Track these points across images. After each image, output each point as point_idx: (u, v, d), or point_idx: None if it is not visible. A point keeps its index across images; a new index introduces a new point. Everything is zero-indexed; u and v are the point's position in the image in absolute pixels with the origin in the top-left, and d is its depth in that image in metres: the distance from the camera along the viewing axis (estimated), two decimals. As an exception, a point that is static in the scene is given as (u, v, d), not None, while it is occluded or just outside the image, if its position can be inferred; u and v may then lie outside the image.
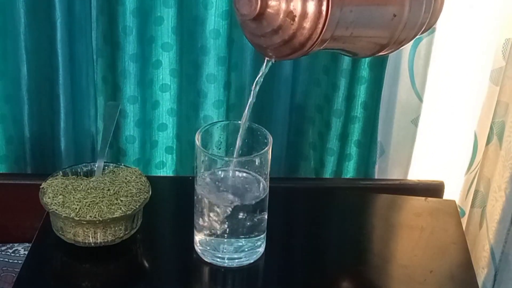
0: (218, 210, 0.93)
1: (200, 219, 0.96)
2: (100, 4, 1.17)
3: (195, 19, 1.20)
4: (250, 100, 0.89)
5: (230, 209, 0.93)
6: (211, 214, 0.94)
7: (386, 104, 1.27)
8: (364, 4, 0.78)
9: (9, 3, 1.16)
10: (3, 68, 1.21)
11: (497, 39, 1.22)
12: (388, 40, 0.83)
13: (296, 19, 0.75)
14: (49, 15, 1.16)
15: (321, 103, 1.28)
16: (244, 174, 0.94)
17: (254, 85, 0.88)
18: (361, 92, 1.23)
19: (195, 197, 0.96)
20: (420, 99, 1.26)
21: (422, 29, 0.87)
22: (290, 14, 0.75)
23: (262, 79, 0.87)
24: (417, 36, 0.88)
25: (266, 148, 0.92)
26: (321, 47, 0.78)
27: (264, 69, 0.85)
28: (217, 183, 0.95)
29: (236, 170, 0.94)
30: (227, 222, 0.94)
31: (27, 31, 1.17)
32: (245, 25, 0.81)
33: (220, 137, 0.97)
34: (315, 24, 0.75)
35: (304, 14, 0.75)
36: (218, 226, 0.94)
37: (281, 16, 0.76)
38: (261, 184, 0.95)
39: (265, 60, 0.84)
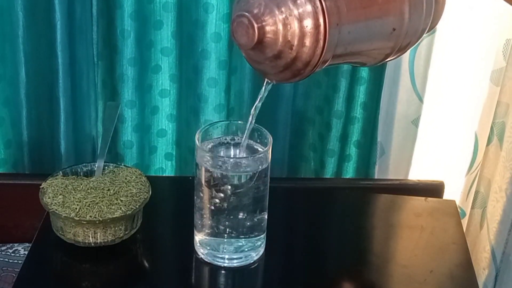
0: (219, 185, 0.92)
1: (200, 207, 0.95)
2: (100, 7, 1.17)
3: (195, 23, 1.19)
4: (249, 123, 0.89)
5: (229, 187, 0.92)
6: (213, 194, 0.93)
7: (387, 104, 1.27)
8: (362, 21, 0.76)
9: (7, 5, 1.15)
10: (1, 71, 1.21)
11: (498, 39, 1.22)
12: (391, 50, 0.82)
13: (294, 46, 0.74)
14: (49, 18, 1.15)
15: (321, 105, 1.28)
16: (245, 161, 0.93)
17: (253, 109, 0.87)
18: (361, 92, 1.23)
19: (195, 197, 0.96)
20: (421, 99, 1.26)
21: (425, 32, 0.86)
22: (288, 43, 0.74)
23: (260, 104, 0.86)
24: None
25: (266, 148, 0.92)
26: (324, 66, 0.78)
27: (263, 93, 0.85)
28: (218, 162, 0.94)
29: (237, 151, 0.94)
30: (227, 222, 0.94)
31: (25, 33, 1.16)
32: (245, 52, 0.80)
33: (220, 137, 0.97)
34: (313, 51, 0.74)
35: (301, 41, 0.74)
36: (218, 204, 0.93)
37: (280, 43, 0.75)
38: (261, 164, 0.93)
39: (264, 83, 0.84)
